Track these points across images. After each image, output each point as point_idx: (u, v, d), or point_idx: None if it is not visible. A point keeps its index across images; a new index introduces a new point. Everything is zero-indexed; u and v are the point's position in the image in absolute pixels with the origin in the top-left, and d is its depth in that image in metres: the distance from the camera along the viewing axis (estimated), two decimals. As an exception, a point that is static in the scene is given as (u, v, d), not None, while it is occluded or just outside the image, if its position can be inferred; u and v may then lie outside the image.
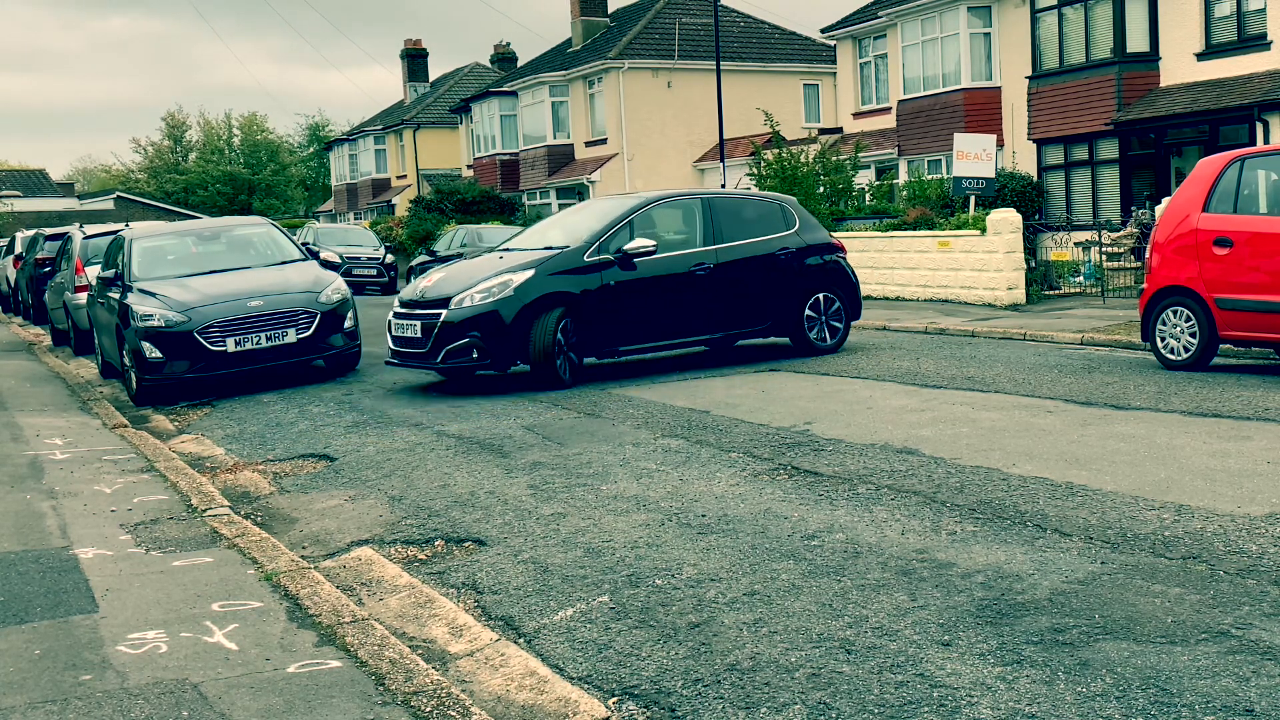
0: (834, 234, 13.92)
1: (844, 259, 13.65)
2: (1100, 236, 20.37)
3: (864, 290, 21.02)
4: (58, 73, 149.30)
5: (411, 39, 62.59)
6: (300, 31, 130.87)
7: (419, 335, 11.58)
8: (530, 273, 11.54)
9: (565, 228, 12.83)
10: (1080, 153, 26.67)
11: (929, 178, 27.05)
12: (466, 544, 6.26)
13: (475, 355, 11.36)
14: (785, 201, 13.80)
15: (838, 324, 13.35)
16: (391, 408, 10.88)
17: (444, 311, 11.45)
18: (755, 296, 12.75)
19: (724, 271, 12.47)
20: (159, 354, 11.99)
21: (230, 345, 12.08)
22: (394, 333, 11.97)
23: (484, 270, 11.90)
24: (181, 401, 12.24)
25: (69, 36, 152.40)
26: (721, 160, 27.42)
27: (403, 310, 11.98)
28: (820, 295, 13.16)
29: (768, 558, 5.58)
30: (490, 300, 11.35)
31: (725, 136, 34.41)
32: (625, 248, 11.90)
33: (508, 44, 59.21)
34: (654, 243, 12.03)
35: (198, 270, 13.25)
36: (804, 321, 13.06)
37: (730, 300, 12.58)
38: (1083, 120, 25.99)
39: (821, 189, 25.05)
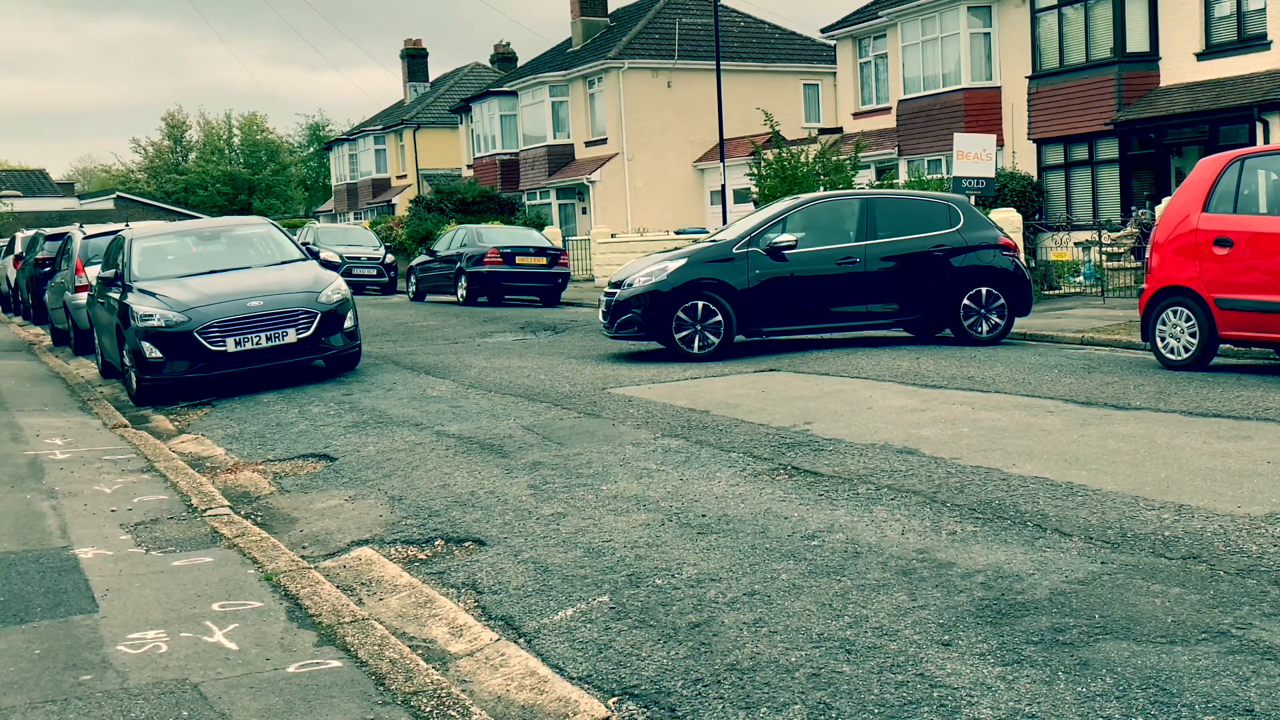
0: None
1: (1012, 256, 14.28)
2: (1100, 236, 20.39)
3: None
4: (55, 75, 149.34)
5: (411, 39, 62.62)
6: (300, 32, 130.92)
7: (606, 311, 13.92)
8: (683, 261, 13.58)
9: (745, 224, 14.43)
10: (1080, 153, 26.68)
11: (929, 178, 27.04)
12: (466, 544, 6.26)
13: (636, 329, 13.52)
14: (954, 201, 14.68)
15: (999, 319, 14.05)
16: (391, 408, 10.88)
17: (619, 291, 13.71)
18: (905, 289, 13.89)
19: (871, 264, 13.78)
20: (159, 354, 11.99)
21: (230, 345, 12.08)
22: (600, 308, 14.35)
23: (658, 258, 14.10)
24: (181, 401, 12.24)
25: (64, 39, 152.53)
26: (722, 160, 27.42)
27: (606, 291, 14.22)
28: (983, 290, 13.96)
29: (768, 558, 5.58)
30: (650, 283, 13.41)
31: (725, 136, 34.40)
32: (773, 241, 13.50)
33: (508, 44, 59.22)
34: (795, 237, 13.58)
35: (198, 270, 13.24)
36: (961, 313, 13.95)
37: (878, 292, 13.84)
38: (1083, 120, 25.99)
39: (822, 189, 25.05)
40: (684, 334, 13.33)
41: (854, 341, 14.60)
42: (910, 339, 14.70)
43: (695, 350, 13.28)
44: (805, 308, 13.72)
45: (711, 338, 13.34)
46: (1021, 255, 15.05)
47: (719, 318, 13.30)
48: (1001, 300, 14.03)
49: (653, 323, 13.37)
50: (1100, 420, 8.61)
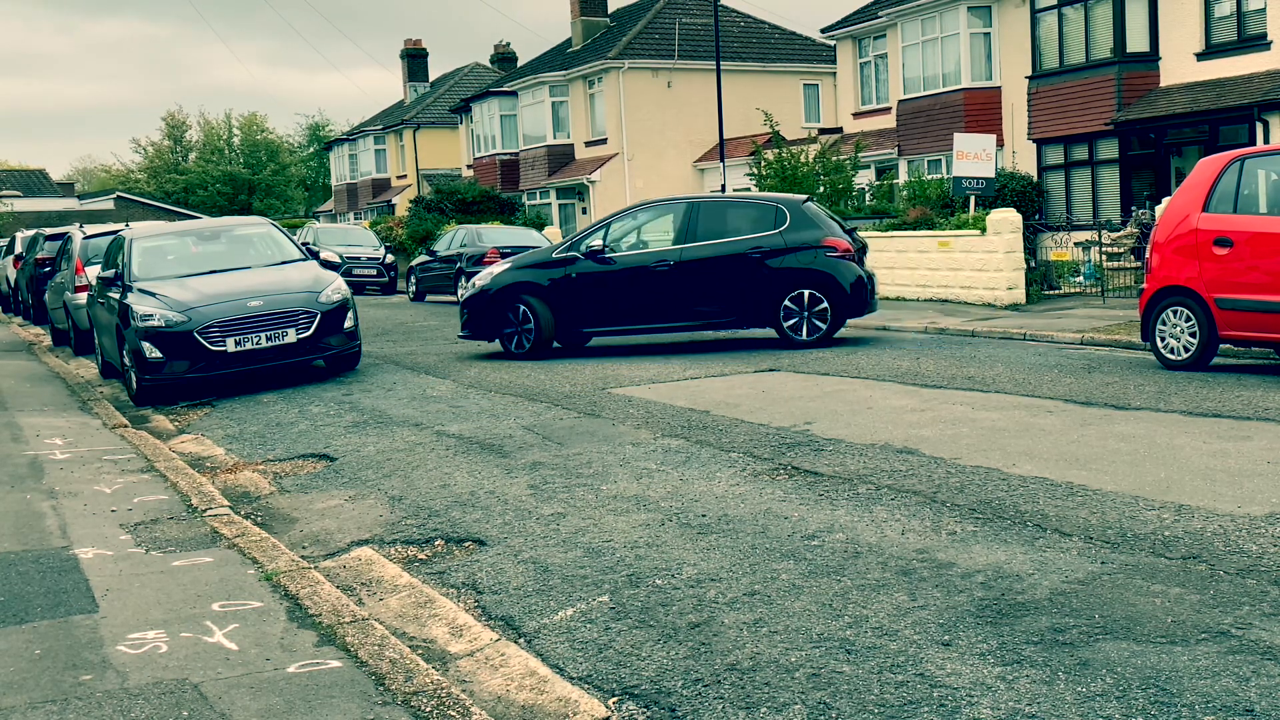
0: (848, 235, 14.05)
1: (837, 257, 13.82)
2: (1100, 236, 20.38)
3: (864, 290, 21.12)
4: (55, 75, 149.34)
5: (411, 39, 62.60)
6: (300, 32, 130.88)
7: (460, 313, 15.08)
8: (508, 265, 14.69)
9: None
10: (1080, 153, 26.67)
11: (929, 178, 27.06)
12: (466, 544, 6.26)
13: (471, 331, 14.54)
14: (784, 203, 14.32)
15: (820, 321, 13.79)
16: (391, 407, 10.88)
17: (461, 294, 15.33)
18: (722, 291, 13.84)
19: (686, 267, 13.83)
20: (159, 354, 11.99)
21: (230, 345, 12.08)
22: None
23: (501, 263, 15.21)
24: (181, 401, 12.24)
25: (64, 39, 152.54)
26: (721, 160, 27.40)
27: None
28: (805, 292, 13.70)
29: (768, 558, 5.58)
30: (480, 286, 14.47)
31: (725, 136, 34.40)
32: (591, 246, 14.09)
33: (508, 44, 59.21)
34: (601, 243, 14.09)
35: (198, 270, 13.24)
36: (781, 315, 13.76)
37: (695, 294, 13.88)
38: (1083, 120, 25.99)
39: (821, 189, 25.07)
40: (508, 333, 14.18)
41: (683, 347, 14.67)
42: (740, 342, 14.71)
43: (513, 349, 14.13)
44: (625, 310, 14.07)
45: (526, 341, 14.05)
46: (867, 256, 14.35)
47: (533, 319, 13.99)
48: (825, 303, 13.76)
49: (481, 323, 14.42)
50: (1100, 420, 8.61)
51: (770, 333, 14.38)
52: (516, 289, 14.10)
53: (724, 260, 13.85)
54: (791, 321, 13.77)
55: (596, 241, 14.09)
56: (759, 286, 13.75)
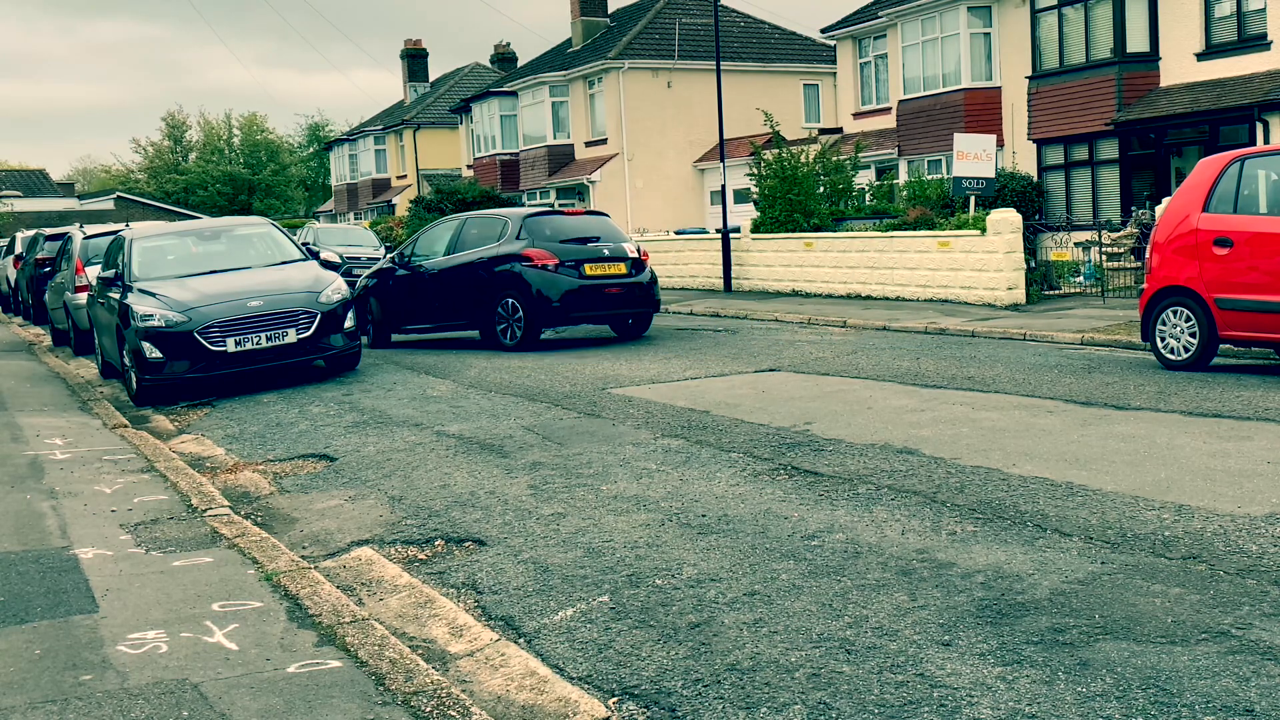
0: (531, 247, 15.24)
1: (535, 268, 14.86)
2: (1100, 236, 20.37)
3: (864, 290, 21.17)
4: (54, 76, 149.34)
5: (411, 39, 62.55)
6: (300, 32, 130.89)
7: None
8: (371, 269, 17.20)
9: None
10: (1080, 153, 26.67)
11: (929, 178, 27.05)
12: (466, 544, 6.26)
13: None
14: (512, 216, 15.88)
15: (519, 328, 15.01)
16: (391, 408, 10.88)
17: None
18: (458, 299, 15.69)
19: (438, 277, 15.85)
20: (159, 354, 11.99)
21: (230, 345, 12.08)
22: None
23: None
24: (181, 401, 12.24)
25: (62, 41, 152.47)
26: (722, 160, 27.39)
27: None
28: (509, 299, 15.04)
29: (768, 558, 5.58)
30: (357, 288, 16.36)
31: (725, 136, 34.30)
32: (403, 254, 16.49)
33: (508, 44, 59.19)
34: (409, 252, 16.44)
35: (198, 270, 13.24)
36: (494, 321, 15.27)
37: (452, 299, 15.74)
38: (1083, 120, 25.99)
39: (821, 189, 25.04)
40: (366, 325, 16.04)
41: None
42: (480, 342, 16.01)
43: (366, 343, 15.93)
44: (418, 311, 16.16)
45: (370, 331, 16.35)
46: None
47: (373, 316, 16.45)
48: (520, 310, 14.92)
49: (361, 319, 15.34)
50: (1100, 420, 8.61)
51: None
52: (366, 289, 16.69)
53: (462, 269, 15.57)
54: (501, 326, 15.15)
55: (407, 250, 16.53)
56: (483, 294, 15.34)
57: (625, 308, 15.54)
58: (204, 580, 5.65)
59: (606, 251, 15.21)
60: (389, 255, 17.93)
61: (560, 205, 16.79)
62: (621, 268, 15.21)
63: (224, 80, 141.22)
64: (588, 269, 14.95)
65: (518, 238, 15.09)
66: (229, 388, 12.67)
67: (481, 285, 15.28)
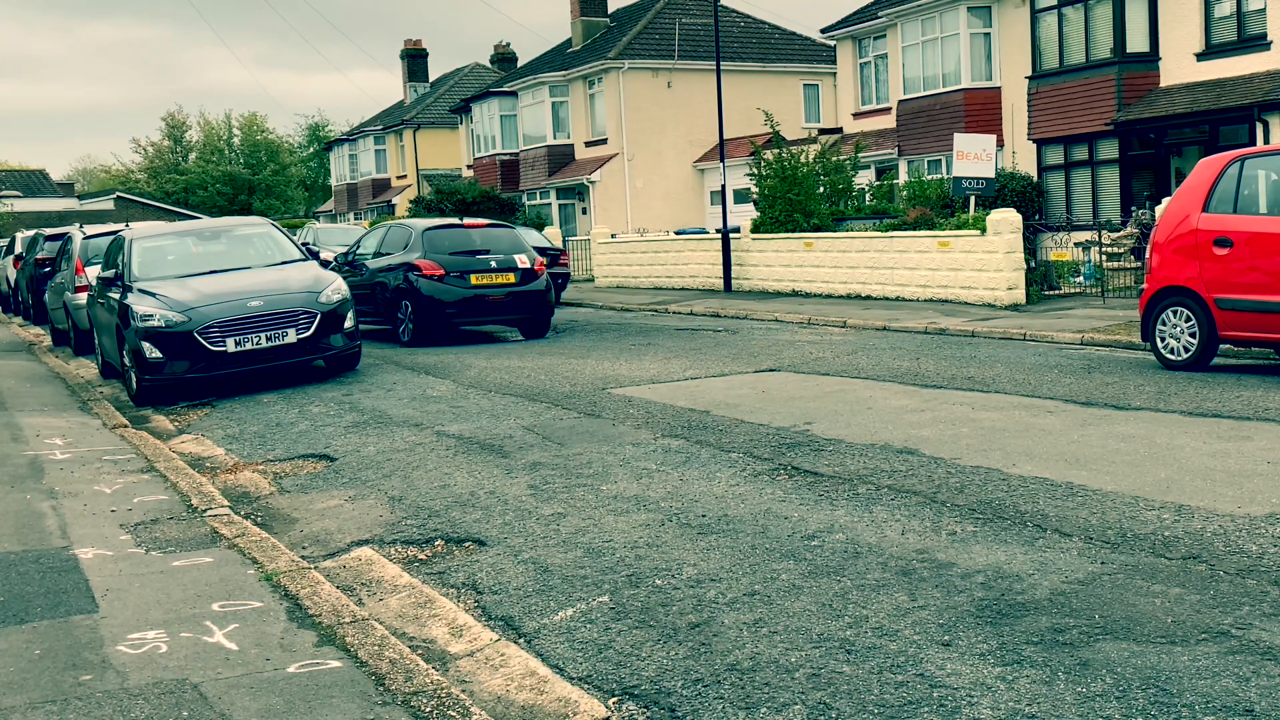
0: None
1: (418, 275, 16.53)
2: (1100, 236, 20.36)
3: (864, 290, 21.19)
4: (53, 77, 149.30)
5: (411, 39, 62.55)
6: (300, 33, 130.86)
7: None
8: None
9: None
10: (1080, 153, 26.66)
11: (929, 178, 27.02)
12: (466, 544, 6.26)
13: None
14: (414, 228, 17.45)
15: (412, 327, 16.67)
16: (391, 408, 10.88)
17: None
18: (375, 298, 17.40)
19: (366, 278, 17.62)
20: (159, 354, 11.98)
21: (230, 345, 12.08)
22: None
23: None
24: (181, 401, 12.24)
25: (62, 42, 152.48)
26: (722, 160, 27.39)
27: None
28: (405, 302, 16.73)
29: (768, 558, 5.58)
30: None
31: (725, 136, 34.28)
32: (346, 254, 18.83)
33: (508, 44, 59.17)
34: (352, 254, 18.69)
35: (198, 270, 13.24)
36: (397, 321, 17.00)
37: (370, 298, 17.32)
38: (1083, 120, 25.98)
39: (821, 189, 25.03)
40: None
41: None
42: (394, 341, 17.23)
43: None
44: (368, 308, 17.40)
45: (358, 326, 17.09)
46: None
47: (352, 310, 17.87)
48: (411, 311, 16.68)
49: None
50: (1100, 420, 8.61)
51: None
52: (353, 289, 17.33)
53: (380, 272, 17.40)
54: (400, 327, 16.86)
55: (354, 250, 18.54)
56: (392, 295, 17.03)
57: (510, 314, 17.17)
58: (204, 580, 5.65)
59: (494, 264, 16.88)
60: (342, 252, 19.31)
61: (467, 221, 18.68)
62: (510, 278, 16.81)
63: (224, 80, 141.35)
64: (474, 279, 16.62)
65: (417, 248, 16.91)
66: (229, 388, 12.67)
67: (388, 288, 17.20)
